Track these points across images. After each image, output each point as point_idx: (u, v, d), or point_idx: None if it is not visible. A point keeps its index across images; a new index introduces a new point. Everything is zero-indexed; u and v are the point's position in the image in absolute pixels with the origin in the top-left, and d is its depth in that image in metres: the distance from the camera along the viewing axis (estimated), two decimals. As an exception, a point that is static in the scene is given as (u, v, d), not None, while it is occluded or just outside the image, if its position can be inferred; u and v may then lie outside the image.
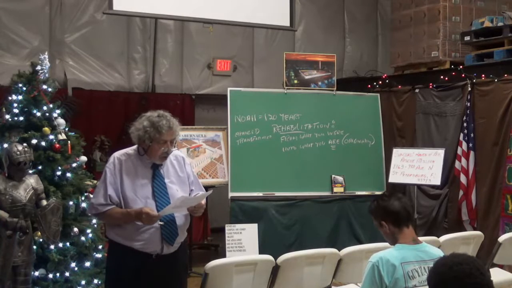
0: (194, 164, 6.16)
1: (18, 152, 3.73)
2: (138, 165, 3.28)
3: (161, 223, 3.21)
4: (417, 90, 6.96)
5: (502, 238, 4.57)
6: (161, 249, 3.23)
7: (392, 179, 6.37)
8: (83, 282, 4.05)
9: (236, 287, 3.60)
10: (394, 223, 3.02)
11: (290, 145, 6.48)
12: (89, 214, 3.81)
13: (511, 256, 4.64)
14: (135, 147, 3.35)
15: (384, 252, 2.96)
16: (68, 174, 4.19)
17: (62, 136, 4.21)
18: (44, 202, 3.82)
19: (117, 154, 3.34)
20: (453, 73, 6.55)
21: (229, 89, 6.49)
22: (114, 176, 3.24)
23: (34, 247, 3.88)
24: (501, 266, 4.68)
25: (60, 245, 4.02)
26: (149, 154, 3.27)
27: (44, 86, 4.26)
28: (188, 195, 3.43)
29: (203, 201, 3.36)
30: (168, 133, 3.22)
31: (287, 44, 8.18)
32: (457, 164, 6.32)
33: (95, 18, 7.19)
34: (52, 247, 3.97)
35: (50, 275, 3.97)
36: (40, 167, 4.08)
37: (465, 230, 6.01)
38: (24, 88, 4.17)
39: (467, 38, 6.67)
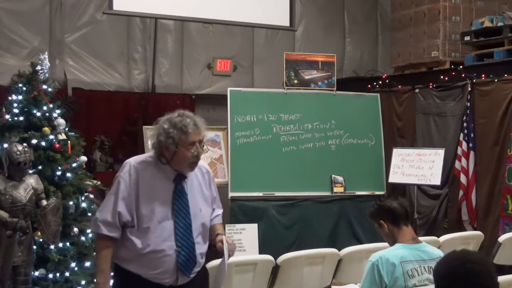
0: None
1: (18, 152, 3.73)
2: (158, 177, 2.80)
3: (177, 248, 2.76)
4: (417, 90, 6.96)
5: (502, 238, 4.58)
6: (175, 279, 2.80)
7: (392, 179, 6.37)
8: (83, 282, 4.06)
9: (236, 287, 3.60)
10: (392, 221, 3.04)
11: (290, 145, 6.47)
12: (89, 231, 3.39)
13: (511, 256, 4.65)
14: (152, 154, 2.87)
15: (383, 251, 2.97)
16: (68, 174, 4.19)
17: (62, 136, 4.21)
18: (44, 202, 3.82)
19: (133, 161, 2.84)
20: (453, 73, 6.54)
21: (229, 89, 6.49)
22: (129, 188, 2.76)
23: (34, 247, 3.88)
24: (502, 266, 4.68)
25: (60, 245, 4.02)
26: (175, 162, 2.78)
27: (44, 86, 4.26)
28: (210, 215, 3.00)
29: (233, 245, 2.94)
30: (195, 132, 2.77)
31: (287, 44, 8.18)
32: (457, 164, 6.32)
33: (95, 18, 7.19)
34: (52, 247, 3.97)
35: (50, 275, 3.97)
36: (40, 167, 4.08)
37: (465, 230, 6.01)
38: (24, 88, 4.18)
39: (467, 38, 6.66)
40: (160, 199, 2.78)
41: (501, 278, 3.26)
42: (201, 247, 2.87)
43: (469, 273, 1.99)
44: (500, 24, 6.36)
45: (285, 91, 6.57)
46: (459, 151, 6.30)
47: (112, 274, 2.85)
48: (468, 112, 6.26)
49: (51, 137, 4.15)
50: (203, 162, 2.98)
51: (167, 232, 2.76)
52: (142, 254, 2.73)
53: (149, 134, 3.08)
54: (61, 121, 4.28)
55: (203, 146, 2.87)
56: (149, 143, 3.08)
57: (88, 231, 4.19)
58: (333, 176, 6.50)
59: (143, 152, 6.00)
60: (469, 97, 6.27)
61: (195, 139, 2.77)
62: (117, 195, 2.76)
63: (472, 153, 6.22)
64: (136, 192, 2.76)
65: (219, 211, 3.10)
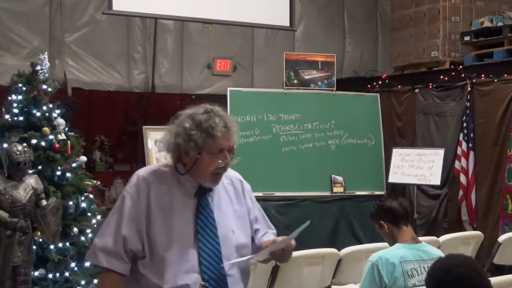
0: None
1: (18, 152, 3.73)
2: (175, 190, 2.18)
3: (204, 283, 2.13)
4: (417, 90, 6.96)
5: (502, 238, 4.58)
6: None
7: (392, 179, 6.37)
8: (83, 282, 4.05)
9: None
10: (392, 221, 3.04)
11: (290, 145, 6.47)
12: (85, 259, 2.40)
13: (511, 256, 4.65)
14: (168, 162, 2.27)
15: (383, 251, 2.97)
16: (68, 174, 4.18)
17: (62, 136, 4.20)
18: (44, 202, 3.82)
19: (143, 172, 2.23)
20: (453, 73, 6.55)
21: (229, 89, 6.49)
22: (137, 205, 2.14)
23: (34, 247, 3.87)
24: (501, 266, 4.68)
25: (60, 245, 4.01)
26: (195, 173, 2.17)
27: (44, 86, 4.25)
28: (251, 238, 2.33)
29: (293, 241, 2.24)
30: (225, 136, 2.15)
31: (287, 44, 8.18)
32: (457, 164, 6.32)
33: (95, 18, 7.19)
34: (52, 247, 3.96)
35: (50, 275, 3.96)
36: (39, 167, 4.07)
37: (465, 230, 6.01)
38: (24, 88, 4.17)
39: (467, 38, 6.66)
40: (178, 219, 2.15)
41: (501, 278, 3.27)
42: (236, 283, 2.21)
43: (457, 277, 2.00)
44: (500, 24, 6.36)
45: (285, 91, 6.57)
46: (459, 151, 6.30)
47: None
48: (468, 112, 6.27)
49: (51, 137, 4.15)
50: (234, 172, 2.38)
51: (190, 262, 2.12)
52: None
53: (165, 135, 2.27)
54: (61, 121, 4.27)
55: (233, 154, 2.22)
56: (165, 146, 2.27)
57: (88, 230, 4.19)
58: (333, 176, 6.51)
59: (143, 152, 6.02)
60: (469, 97, 6.28)
61: (224, 145, 2.16)
62: (121, 215, 2.14)
63: (472, 153, 6.22)
64: (147, 211, 2.14)
65: (270, 231, 2.41)
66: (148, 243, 2.12)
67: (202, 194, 2.21)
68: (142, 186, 2.18)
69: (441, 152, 6.17)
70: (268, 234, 2.37)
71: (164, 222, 2.13)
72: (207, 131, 2.13)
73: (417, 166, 6.21)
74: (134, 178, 2.22)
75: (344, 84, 7.33)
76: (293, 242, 2.23)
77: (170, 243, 2.11)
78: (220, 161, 2.15)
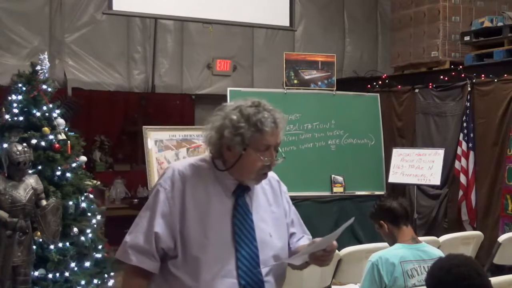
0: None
1: (18, 152, 3.73)
2: (212, 188, 2.06)
3: None
4: (417, 90, 6.96)
5: (502, 238, 4.58)
6: None
7: (392, 179, 6.36)
8: (82, 282, 4.05)
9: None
10: (392, 221, 3.05)
11: (290, 145, 6.47)
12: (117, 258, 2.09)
13: (511, 256, 4.65)
14: (206, 156, 2.14)
15: (383, 251, 2.97)
16: (68, 174, 4.18)
17: (62, 136, 4.20)
18: (44, 202, 3.82)
19: (179, 165, 2.11)
20: (453, 73, 6.55)
21: (228, 89, 6.49)
22: (171, 201, 2.02)
23: (34, 247, 3.87)
24: (501, 266, 4.68)
25: (60, 245, 4.01)
26: (238, 169, 2.04)
27: (44, 86, 4.26)
28: (288, 242, 2.21)
29: (335, 241, 2.12)
30: (274, 132, 2.04)
31: (287, 44, 8.18)
32: (456, 164, 6.32)
33: (95, 18, 7.19)
34: (51, 247, 3.97)
35: (50, 275, 3.97)
36: (39, 167, 4.07)
37: (465, 230, 6.01)
38: (24, 88, 4.17)
39: (467, 38, 6.66)
40: (215, 218, 2.02)
41: (501, 278, 3.27)
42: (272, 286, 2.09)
43: (457, 277, 2.00)
44: (500, 24, 6.36)
45: (285, 91, 6.57)
46: (459, 151, 6.30)
47: None
48: (468, 112, 6.27)
49: (51, 137, 4.15)
50: (271, 172, 2.18)
51: (228, 266, 2.00)
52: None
53: (207, 127, 2.10)
54: (60, 121, 4.27)
55: (277, 153, 2.09)
56: (206, 139, 2.10)
57: (88, 230, 4.19)
58: (333, 176, 6.50)
59: (143, 152, 6.02)
60: (468, 97, 6.28)
61: (271, 142, 2.04)
62: (155, 211, 2.02)
63: (472, 153, 6.22)
64: (181, 207, 2.02)
65: (306, 236, 2.29)
66: (181, 242, 2.00)
67: (241, 194, 2.09)
68: (177, 181, 2.05)
69: (441, 152, 6.17)
70: (303, 239, 2.26)
71: (199, 220, 2.01)
72: (256, 125, 2.00)
73: (417, 166, 6.21)
74: (169, 171, 2.08)
75: (344, 84, 7.33)
76: (334, 242, 2.11)
77: (206, 243, 1.98)
78: (266, 159, 2.03)
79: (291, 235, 2.24)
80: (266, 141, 2.02)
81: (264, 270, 2.04)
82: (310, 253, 2.07)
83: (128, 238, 2.05)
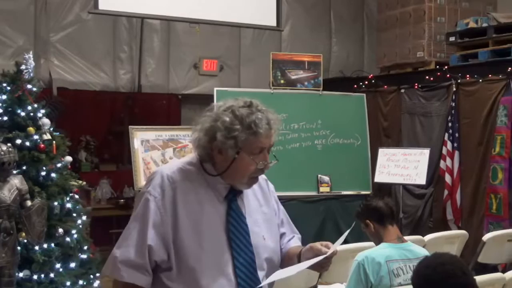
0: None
1: (2, 152, 3.69)
2: (203, 193, 1.96)
3: None
4: (402, 90, 7.01)
5: (486, 237, 4.62)
6: None
7: (378, 178, 6.39)
8: (68, 283, 4.02)
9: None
10: (378, 220, 3.07)
11: (276, 145, 6.34)
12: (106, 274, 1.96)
13: (496, 254, 4.69)
14: (193, 159, 2.02)
15: (369, 251, 2.99)
16: (53, 175, 4.15)
17: (47, 136, 4.17)
18: (29, 203, 3.78)
19: (168, 170, 1.98)
20: (438, 74, 6.59)
21: (215, 89, 6.48)
22: (162, 210, 1.90)
23: (19, 248, 3.84)
24: (486, 265, 4.72)
25: (45, 246, 3.98)
26: (230, 174, 1.95)
27: (29, 86, 4.21)
28: (279, 244, 2.14)
29: (338, 246, 2.05)
30: (267, 134, 1.96)
31: (274, 44, 8.19)
32: (442, 164, 6.37)
33: (81, 17, 7.14)
34: (36, 248, 3.93)
35: (35, 276, 3.93)
36: (24, 168, 4.03)
37: (450, 229, 6.06)
38: (8, 88, 4.13)
39: (452, 38, 6.71)
40: (209, 225, 1.92)
41: (485, 277, 3.30)
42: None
43: (443, 275, 2.02)
44: (484, 25, 6.42)
45: (272, 91, 6.57)
46: (444, 151, 6.35)
47: None
48: (453, 112, 6.32)
49: (36, 137, 4.11)
50: None
51: (226, 275, 1.92)
52: None
53: (196, 128, 2.00)
54: (46, 121, 4.23)
55: (269, 155, 2.01)
56: (195, 142, 2.00)
57: (73, 231, 4.16)
58: (319, 175, 6.52)
59: (129, 152, 5.99)
60: (454, 97, 6.33)
61: (266, 144, 1.96)
62: (146, 221, 1.88)
63: (457, 153, 6.27)
64: (173, 216, 1.90)
65: (296, 235, 2.23)
66: (175, 253, 1.88)
67: (233, 198, 1.99)
68: (167, 187, 1.91)
69: (426, 152, 6.21)
70: (294, 239, 2.20)
71: (193, 229, 1.89)
72: (250, 127, 1.90)
73: (403, 166, 6.24)
74: (157, 178, 1.94)
75: (330, 84, 7.35)
76: (336, 248, 2.05)
77: (201, 252, 1.88)
78: (261, 162, 1.94)
79: (282, 235, 2.18)
80: (260, 144, 1.93)
81: (262, 277, 1.98)
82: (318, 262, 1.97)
83: (117, 252, 1.89)
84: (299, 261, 2.06)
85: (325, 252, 1.97)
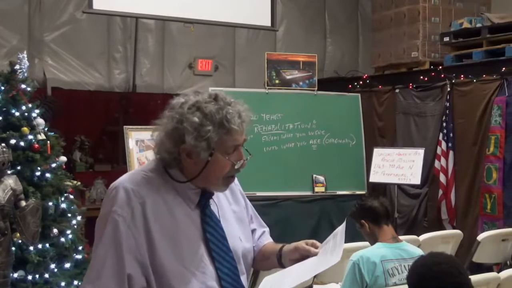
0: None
1: (-4, 152, 3.68)
2: (173, 202, 1.75)
3: None
4: (397, 90, 7.02)
5: (481, 236, 4.64)
6: None
7: (373, 178, 6.41)
8: (62, 284, 4.01)
9: None
10: (373, 220, 3.07)
11: (271, 145, 6.48)
12: None
13: (490, 254, 4.71)
14: (154, 165, 1.82)
15: (364, 251, 2.99)
16: (48, 175, 4.14)
17: (42, 136, 4.16)
18: (23, 203, 3.77)
19: (129, 183, 1.74)
20: (433, 74, 6.61)
21: (210, 89, 6.44)
22: (135, 231, 1.67)
23: (13, 248, 3.83)
24: (480, 264, 4.74)
25: (40, 246, 3.97)
26: (203, 178, 1.76)
27: (23, 86, 4.20)
28: (252, 242, 2.00)
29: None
30: (241, 130, 1.79)
31: (269, 44, 8.19)
32: (436, 164, 6.39)
33: (75, 17, 7.11)
34: (31, 248, 3.92)
35: (30, 277, 3.92)
36: (19, 168, 4.02)
37: (444, 229, 6.07)
38: (3, 88, 4.11)
39: (446, 39, 6.73)
40: (186, 239, 1.73)
41: (479, 276, 3.31)
42: None
43: (438, 274, 2.02)
44: (478, 25, 6.44)
45: (267, 91, 6.57)
46: (439, 151, 6.37)
47: None
48: (447, 112, 6.33)
49: (30, 137, 4.10)
50: None
51: (211, 286, 1.76)
52: None
53: (158, 130, 1.82)
54: (40, 121, 4.22)
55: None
56: (157, 147, 1.83)
57: (68, 231, 4.15)
58: (314, 175, 6.53)
59: (124, 153, 5.97)
60: (448, 97, 6.34)
61: (240, 140, 1.79)
62: (119, 247, 1.65)
63: (451, 153, 6.29)
64: (146, 235, 1.68)
65: (265, 229, 2.09)
66: (155, 276, 1.67)
67: (206, 203, 1.81)
68: (135, 204, 1.68)
69: (421, 151, 6.22)
70: (265, 235, 2.07)
71: (170, 245, 1.69)
72: (222, 124, 1.71)
73: (398, 165, 6.26)
74: (121, 194, 1.69)
75: (325, 84, 7.36)
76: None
77: (184, 271, 1.69)
78: (238, 161, 1.77)
79: (252, 231, 2.02)
80: (235, 142, 1.75)
81: (244, 282, 1.87)
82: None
83: (89, 285, 1.66)
84: (279, 261, 1.92)
85: (315, 254, 1.84)
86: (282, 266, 1.92)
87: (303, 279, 1.78)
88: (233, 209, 1.93)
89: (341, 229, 1.90)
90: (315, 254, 1.84)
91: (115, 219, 1.66)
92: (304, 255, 1.86)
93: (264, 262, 2.01)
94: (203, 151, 1.70)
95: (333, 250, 1.81)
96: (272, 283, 1.86)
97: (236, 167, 1.78)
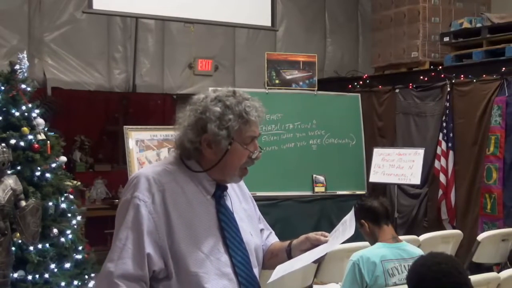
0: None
1: (-3, 152, 3.68)
2: (192, 194, 1.86)
3: None
4: (397, 90, 7.02)
5: (481, 236, 4.64)
6: None
7: (373, 178, 6.41)
8: (62, 284, 4.01)
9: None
10: (373, 220, 3.07)
11: (271, 145, 6.48)
12: None
13: (490, 254, 4.71)
14: (172, 159, 1.94)
15: (364, 251, 2.99)
16: (48, 175, 4.14)
17: (42, 136, 4.16)
18: (23, 203, 3.77)
19: (151, 172, 1.85)
20: (433, 74, 6.61)
21: (210, 89, 6.44)
22: (155, 215, 1.78)
23: (13, 248, 3.83)
24: (480, 264, 4.74)
25: (40, 246, 3.97)
26: (221, 168, 1.88)
27: (23, 86, 4.20)
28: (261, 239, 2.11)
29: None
30: (258, 122, 1.92)
31: (269, 44, 8.19)
32: (436, 164, 6.39)
33: (75, 17, 7.12)
34: (31, 248, 3.92)
35: (30, 277, 3.92)
36: (19, 168, 4.02)
37: (444, 229, 6.07)
38: (3, 88, 4.11)
39: (446, 39, 6.73)
40: (202, 226, 1.83)
41: (479, 276, 3.31)
42: None
43: (438, 274, 2.02)
44: (478, 25, 6.44)
45: (267, 91, 6.57)
46: (439, 151, 6.37)
47: None
48: (447, 112, 6.33)
49: (30, 137, 4.10)
50: None
51: (227, 275, 1.84)
52: None
53: (181, 121, 1.95)
54: (40, 121, 4.22)
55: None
56: (180, 137, 1.93)
57: (68, 231, 4.14)
58: (314, 175, 6.53)
59: (124, 153, 5.97)
60: (448, 97, 6.34)
61: (256, 132, 1.91)
62: (140, 229, 1.76)
63: (451, 153, 6.29)
64: (166, 220, 1.78)
65: (271, 231, 2.23)
66: (173, 260, 1.76)
67: (220, 195, 1.91)
68: (156, 190, 1.80)
69: (421, 151, 6.22)
70: (272, 236, 2.19)
71: (187, 231, 1.79)
72: (242, 115, 1.84)
73: (398, 165, 6.26)
74: (143, 182, 1.80)
75: (325, 84, 7.36)
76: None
77: (201, 255, 1.79)
78: (256, 151, 1.90)
79: (260, 231, 2.13)
80: (252, 133, 1.88)
81: (257, 274, 1.96)
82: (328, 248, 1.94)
83: (111, 266, 1.74)
84: (289, 256, 2.02)
85: (324, 241, 1.96)
86: None
87: (318, 256, 1.92)
88: (243, 207, 2.03)
89: (349, 216, 2.03)
90: (325, 242, 1.96)
91: (136, 203, 1.78)
92: (314, 244, 1.98)
93: (272, 260, 2.08)
94: (224, 140, 1.82)
95: (344, 232, 1.95)
96: (285, 268, 1.95)
97: (252, 156, 1.90)
